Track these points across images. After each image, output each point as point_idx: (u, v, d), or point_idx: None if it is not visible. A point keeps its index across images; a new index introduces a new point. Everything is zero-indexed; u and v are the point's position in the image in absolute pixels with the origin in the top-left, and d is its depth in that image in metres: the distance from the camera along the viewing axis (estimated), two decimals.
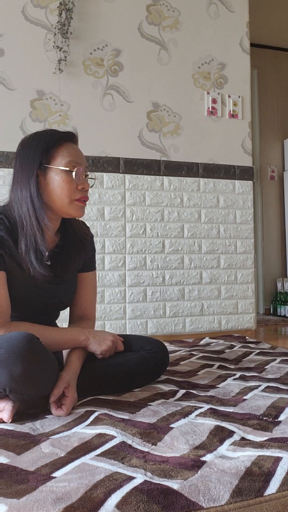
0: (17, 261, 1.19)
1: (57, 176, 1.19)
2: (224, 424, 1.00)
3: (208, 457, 0.85)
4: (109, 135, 2.45)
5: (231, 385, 1.40)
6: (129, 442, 0.92)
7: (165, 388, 1.35)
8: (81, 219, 1.40)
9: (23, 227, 1.18)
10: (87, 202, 1.29)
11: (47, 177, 1.19)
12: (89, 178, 1.28)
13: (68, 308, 1.45)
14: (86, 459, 0.84)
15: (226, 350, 2.04)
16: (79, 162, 1.22)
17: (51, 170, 1.19)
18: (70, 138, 1.24)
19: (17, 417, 1.09)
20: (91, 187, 1.28)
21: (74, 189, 1.21)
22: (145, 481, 0.75)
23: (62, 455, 0.87)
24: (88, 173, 1.27)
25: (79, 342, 1.26)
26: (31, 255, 1.17)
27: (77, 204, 1.22)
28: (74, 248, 1.34)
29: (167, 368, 1.60)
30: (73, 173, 1.19)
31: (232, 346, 2.15)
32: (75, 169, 1.19)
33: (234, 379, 1.49)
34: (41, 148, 1.19)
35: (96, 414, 1.08)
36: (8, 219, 1.19)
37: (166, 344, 2.21)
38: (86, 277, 1.43)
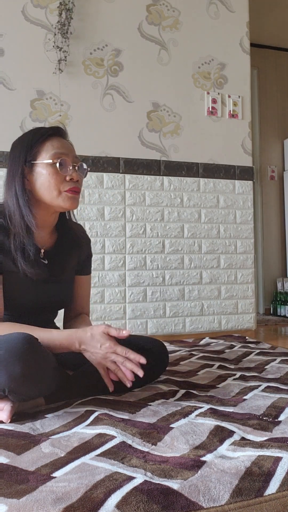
0: (12, 259, 1.19)
1: (43, 170, 1.19)
2: (224, 424, 1.00)
3: (208, 457, 0.85)
4: (109, 135, 2.45)
5: (231, 385, 1.40)
6: (129, 442, 0.92)
7: (165, 388, 1.35)
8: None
9: (12, 225, 1.19)
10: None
11: (35, 173, 1.20)
12: (83, 168, 1.25)
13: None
14: (86, 459, 0.84)
15: (226, 350, 2.04)
16: (65, 153, 1.20)
17: (37, 166, 1.19)
18: (55, 132, 1.23)
19: (16, 417, 1.09)
20: (84, 177, 1.27)
21: (62, 180, 1.20)
22: (145, 481, 0.75)
23: (62, 455, 0.87)
24: (81, 163, 1.25)
25: (68, 350, 1.17)
26: (18, 253, 1.18)
27: (67, 195, 1.20)
28: (71, 247, 1.34)
29: (167, 368, 1.60)
30: (57, 165, 1.18)
31: (232, 346, 2.14)
32: (59, 160, 1.18)
33: (234, 379, 1.49)
34: (25, 147, 1.20)
35: (96, 414, 1.08)
36: (3, 218, 1.20)
37: (166, 344, 2.20)
38: (82, 280, 1.45)
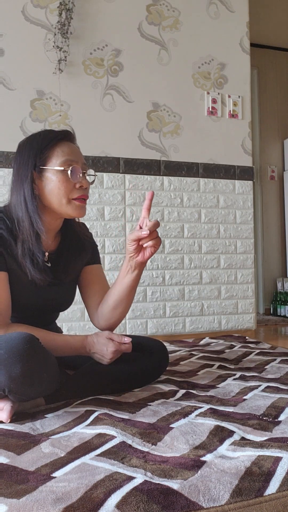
0: (17, 262, 1.19)
1: (53, 176, 1.18)
2: (224, 424, 1.00)
3: (208, 457, 0.85)
4: (109, 135, 2.45)
5: (231, 385, 1.40)
6: (129, 442, 0.92)
7: (165, 388, 1.35)
8: (81, 219, 1.40)
9: (20, 231, 1.18)
10: (87, 202, 1.28)
11: (44, 179, 1.19)
12: (88, 175, 1.26)
13: (70, 308, 1.45)
14: (86, 459, 0.84)
15: (226, 350, 2.04)
16: (75, 160, 1.20)
17: (47, 172, 1.18)
18: (65, 137, 1.22)
19: (17, 417, 1.09)
20: (92, 184, 1.27)
21: (72, 188, 1.19)
22: (145, 481, 0.75)
23: (62, 455, 0.87)
24: (89, 170, 1.26)
25: (79, 353, 1.27)
26: (27, 259, 1.18)
27: (76, 203, 1.20)
28: (75, 249, 1.33)
29: (167, 368, 1.60)
30: (69, 172, 1.18)
31: (232, 346, 2.14)
32: (70, 167, 1.18)
33: (234, 379, 1.49)
34: (34, 151, 1.18)
35: (96, 414, 1.08)
36: (8, 220, 1.19)
37: (166, 344, 2.20)
38: (93, 269, 1.39)
